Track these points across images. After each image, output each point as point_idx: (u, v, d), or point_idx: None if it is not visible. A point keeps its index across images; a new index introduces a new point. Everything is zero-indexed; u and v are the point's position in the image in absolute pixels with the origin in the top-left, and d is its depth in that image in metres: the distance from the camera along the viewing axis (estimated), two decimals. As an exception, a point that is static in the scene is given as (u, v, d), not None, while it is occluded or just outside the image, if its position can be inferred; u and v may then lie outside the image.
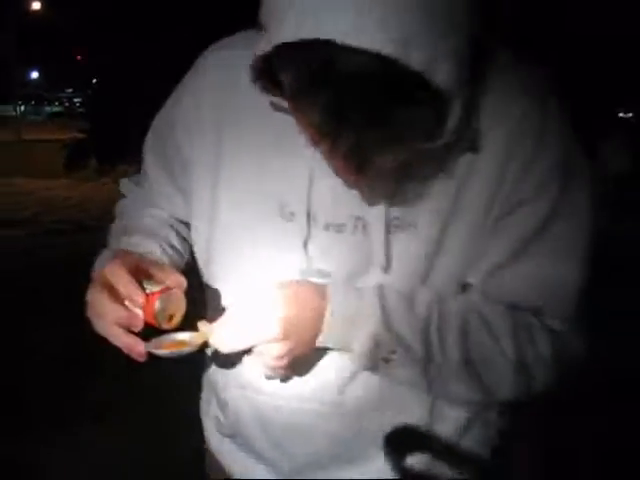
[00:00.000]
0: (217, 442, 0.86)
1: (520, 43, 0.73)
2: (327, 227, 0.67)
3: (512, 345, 0.65)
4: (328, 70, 0.49)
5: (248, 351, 0.66)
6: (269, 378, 0.69)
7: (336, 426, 0.72)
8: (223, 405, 0.81)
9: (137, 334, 0.61)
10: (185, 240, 0.84)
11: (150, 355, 0.61)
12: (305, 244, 0.68)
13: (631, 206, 5.56)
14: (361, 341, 0.63)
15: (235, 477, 0.83)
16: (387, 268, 0.66)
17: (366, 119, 0.50)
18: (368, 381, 0.70)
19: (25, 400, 2.59)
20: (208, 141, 0.72)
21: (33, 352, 3.03)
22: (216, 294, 0.77)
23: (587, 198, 0.67)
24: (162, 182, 0.82)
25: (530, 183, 0.64)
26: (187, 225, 0.83)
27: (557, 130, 0.65)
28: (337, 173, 0.61)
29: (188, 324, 0.67)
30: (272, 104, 0.61)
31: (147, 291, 0.61)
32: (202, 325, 0.64)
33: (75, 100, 46.82)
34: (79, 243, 4.88)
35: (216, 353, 0.74)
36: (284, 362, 0.64)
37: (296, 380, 0.71)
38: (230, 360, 0.75)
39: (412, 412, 0.71)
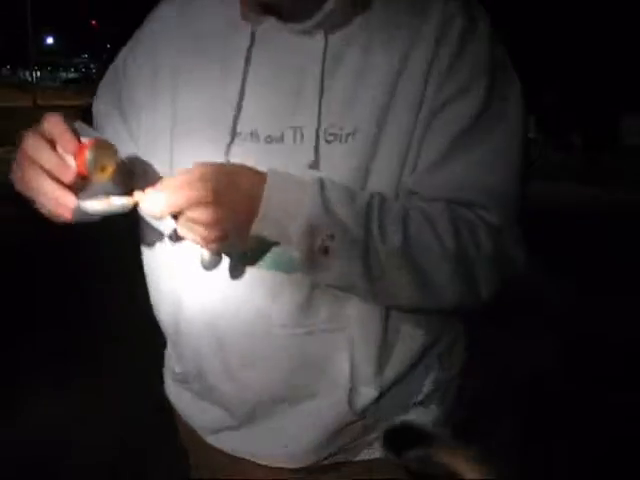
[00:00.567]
0: (175, 395, 0.82)
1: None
2: (269, 140, 0.65)
3: (451, 233, 0.61)
4: None
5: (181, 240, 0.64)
6: (206, 266, 0.64)
7: (294, 351, 0.67)
8: (175, 340, 0.76)
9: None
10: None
11: (77, 214, 0.58)
12: (230, 155, 0.66)
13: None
14: (298, 223, 0.58)
15: (192, 425, 0.79)
16: (321, 174, 0.62)
17: None
18: (322, 299, 0.66)
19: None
20: (163, 84, 0.71)
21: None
22: None
23: (517, 103, 0.66)
24: (113, 119, 0.78)
25: (457, 80, 0.63)
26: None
27: (485, 33, 0.64)
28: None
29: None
30: None
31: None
32: (136, 193, 0.58)
33: (91, 66, 46.54)
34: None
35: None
36: (215, 233, 0.57)
37: (250, 301, 0.67)
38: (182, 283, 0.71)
39: (368, 329, 0.66)
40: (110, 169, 0.60)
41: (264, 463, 0.73)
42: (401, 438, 0.61)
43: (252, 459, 0.74)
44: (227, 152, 0.66)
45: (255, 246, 0.64)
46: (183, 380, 0.78)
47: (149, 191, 0.57)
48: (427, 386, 0.73)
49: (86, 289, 3.14)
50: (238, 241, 0.61)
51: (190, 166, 0.58)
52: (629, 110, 10.63)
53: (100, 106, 0.80)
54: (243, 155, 0.64)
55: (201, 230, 0.58)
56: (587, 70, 10.92)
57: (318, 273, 0.61)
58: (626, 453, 1.97)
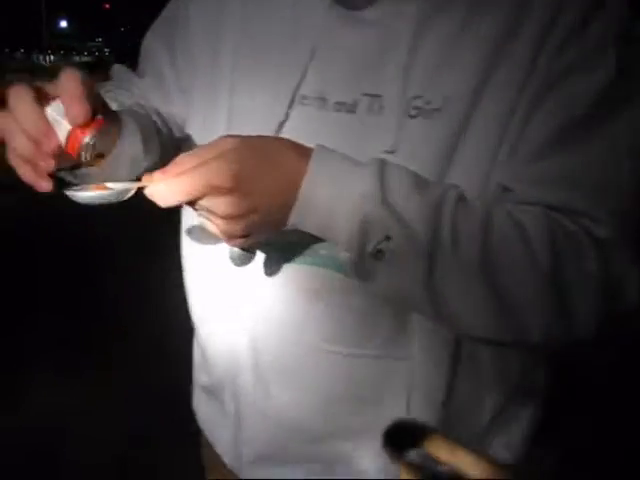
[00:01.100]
0: (200, 408, 0.75)
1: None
2: (338, 107, 0.54)
3: (547, 247, 0.48)
4: None
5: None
6: (235, 262, 0.52)
7: (339, 375, 0.57)
8: (205, 344, 0.68)
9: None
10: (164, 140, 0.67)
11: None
12: (289, 123, 0.56)
13: None
14: (347, 218, 0.46)
15: (214, 443, 0.71)
16: (397, 156, 0.51)
17: None
18: (382, 315, 0.55)
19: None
20: (225, 48, 0.62)
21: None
22: None
23: None
24: (161, 61, 0.69)
25: (578, 51, 0.50)
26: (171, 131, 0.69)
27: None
28: None
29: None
30: None
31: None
32: (145, 176, 0.46)
33: (105, 50, 46.54)
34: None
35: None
36: (238, 228, 0.46)
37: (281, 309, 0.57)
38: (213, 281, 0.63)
39: (433, 360, 0.55)
40: (104, 158, 0.50)
41: None
42: (402, 437, 0.53)
43: None
44: (286, 116, 0.56)
45: (296, 239, 0.52)
46: (211, 392, 0.70)
47: (157, 175, 0.45)
48: (497, 426, 0.61)
49: (98, 279, 3.00)
50: (269, 236, 0.50)
51: (245, 133, 0.48)
52: None
53: (151, 43, 0.72)
54: (304, 123, 0.55)
55: (220, 223, 0.46)
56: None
57: (366, 281, 0.49)
58: None
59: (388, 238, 0.46)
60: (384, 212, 0.46)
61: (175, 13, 0.70)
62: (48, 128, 0.47)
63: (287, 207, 0.47)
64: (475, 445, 0.50)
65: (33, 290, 2.86)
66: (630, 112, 0.51)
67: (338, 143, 0.49)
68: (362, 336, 0.56)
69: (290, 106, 0.56)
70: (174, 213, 0.60)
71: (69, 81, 0.47)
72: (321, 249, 0.54)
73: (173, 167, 0.46)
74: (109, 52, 42.03)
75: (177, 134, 0.69)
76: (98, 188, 0.47)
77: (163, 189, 0.45)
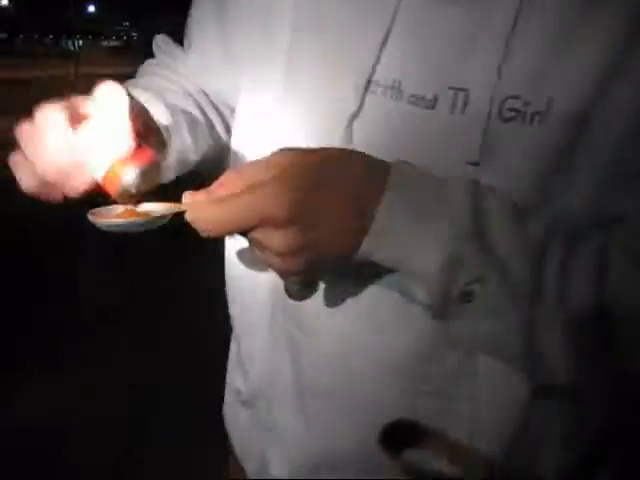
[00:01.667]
0: (231, 418, 0.71)
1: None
2: (414, 100, 0.45)
3: None
4: None
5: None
6: (293, 297, 0.45)
7: (389, 408, 0.50)
8: (240, 348, 0.64)
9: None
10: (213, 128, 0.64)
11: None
12: (359, 116, 0.47)
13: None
14: (431, 253, 0.37)
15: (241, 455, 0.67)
16: (485, 169, 0.42)
17: None
18: (447, 351, 0.47)
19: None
20: (284, 17, 0.54)
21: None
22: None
23: None
24: (212, 47, 0.62)
25: None
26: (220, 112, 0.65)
27: None
28: None
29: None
30: None
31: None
32: (185, 196, 0.39)
33: (132, 34, 49.11)
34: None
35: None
36: (296, 263, 0.38)
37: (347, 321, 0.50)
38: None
39: (502, 405, 0.47)
40: (142, 193, 0.42)
41: None
42: (401, 436, 0.51)
43: None
44: (359, 108, 0.47)
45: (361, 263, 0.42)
46: (246, 403, 0.65)
47: (198, 196, 0.38)
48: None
49: (91, 270, 2.96)
50: (330, 270, 0.42)
51: (301, 128, 0.44)
52: None
53: (198, 12, 0.65)
54: (376, 117, 0.46)
55: (275, 261, 0.38)
56: None
57: (447, 322, 0.41)
58: None
59: (481, 280, 0.37)
60: (477, 250, 0.37)
61: None
62: (81, 159, 0.40)
63: (357, 239, 0.38)
64: None
65: (35, 284, 2.72)
66: None
67: (410, 146, 0.43)
68: (422, 369, 0.48)
69: (363, 96, 0.46)
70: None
71: (108, 98, 0.40)
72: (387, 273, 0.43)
73: (219, 188, 0.38)
74: (137, 36, 42.64)
75: (226, 114, 0.65)
76: (127, 212, 0.40)
77: (207, 217, 0.37)
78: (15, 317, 2.42)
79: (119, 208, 0.41)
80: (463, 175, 0.41)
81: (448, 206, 0.38)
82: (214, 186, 0.39)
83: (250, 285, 0.58)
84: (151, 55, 0.73)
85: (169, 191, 0.44)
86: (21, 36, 40.04)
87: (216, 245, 0.58)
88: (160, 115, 0.53)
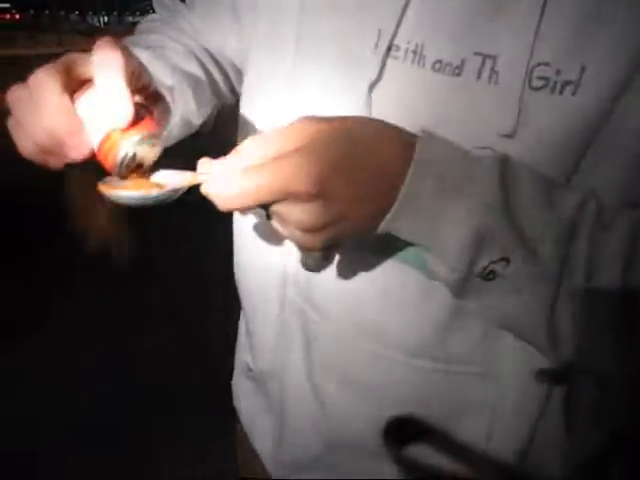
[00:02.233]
0: (240, 394, 0.69)
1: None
2: (438, 67, 0.41)
3: None
4: None
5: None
6: (308, 267, 0.43)
7: (405, 387, 0.48)
8: (251, 325, 0.61)
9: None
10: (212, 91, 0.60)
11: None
12: (378, 83, 0.43)
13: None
14: (456, 230, 0.35)
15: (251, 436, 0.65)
16: (515, 142, 0.39)
17: None
18: (468, 326, 0.45)
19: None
20: None
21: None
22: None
23: None
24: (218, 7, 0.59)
25: None
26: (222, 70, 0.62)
27: None
28: None
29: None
30: None
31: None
32: (202, 165, 0.36)
33: None
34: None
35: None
36: (319, 239, 0.36)
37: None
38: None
39: (527, 385, 0.45)
40: (146, 167, 0.39)
41: None
42: (403, 432, 0.50)
43: None
44: (380, 74, 0.43)
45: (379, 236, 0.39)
46: (254, 378, 0.64)
47: (216, 167, 0.35)
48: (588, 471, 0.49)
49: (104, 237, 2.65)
50: (351, 242, 0.39)
51: (317, 96, 0.42)
52: None
53: None
54: (396, 82, 0.42)
55: (297, 234, 0.36)
56: None
57: (468, 300, 0.39)
58: None
59: (506, 260, 0.35)
60: (505, 227, 0.35)
61: None
62: (77, 128, 0.37)
63: (382, 212, 0.36)
64: None
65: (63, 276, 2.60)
66: None
67: (436, 116, 0.40)
68: (439, 348, 0.45)
69: (384, 61, 0.42)
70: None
71: (105, 64, 0.36)
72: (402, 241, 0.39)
73: (236, 158, 0.35)
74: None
75: (231, 74, 0.62)
76: (139, 183, 0.37)
77: (225, 191, 0.34)
78: (15, 291, 2.42)
79: (130, 182, 0.38)
80: (491, 147, 0.39)
81: (478, 182, 0.36)
82: (231, 156, 0.35)
83: (260, 261, 0.56)
84: None
85: (166, 153, 0.40)
86: (47, 12, 40.27)
87: (230, 218, 0.57)
88: (162, 76, 0.50)
